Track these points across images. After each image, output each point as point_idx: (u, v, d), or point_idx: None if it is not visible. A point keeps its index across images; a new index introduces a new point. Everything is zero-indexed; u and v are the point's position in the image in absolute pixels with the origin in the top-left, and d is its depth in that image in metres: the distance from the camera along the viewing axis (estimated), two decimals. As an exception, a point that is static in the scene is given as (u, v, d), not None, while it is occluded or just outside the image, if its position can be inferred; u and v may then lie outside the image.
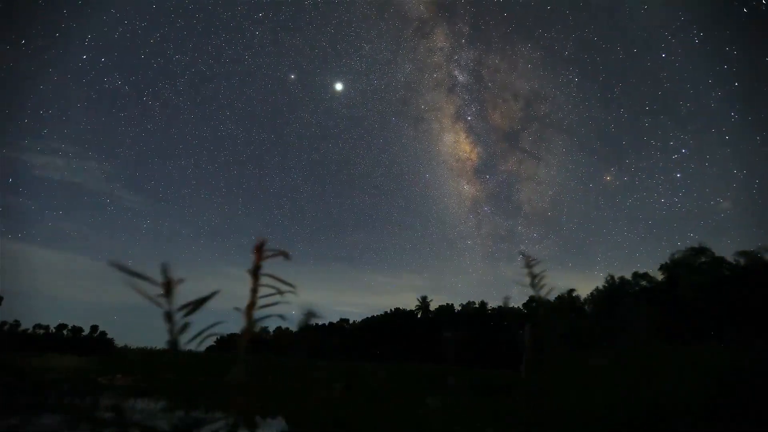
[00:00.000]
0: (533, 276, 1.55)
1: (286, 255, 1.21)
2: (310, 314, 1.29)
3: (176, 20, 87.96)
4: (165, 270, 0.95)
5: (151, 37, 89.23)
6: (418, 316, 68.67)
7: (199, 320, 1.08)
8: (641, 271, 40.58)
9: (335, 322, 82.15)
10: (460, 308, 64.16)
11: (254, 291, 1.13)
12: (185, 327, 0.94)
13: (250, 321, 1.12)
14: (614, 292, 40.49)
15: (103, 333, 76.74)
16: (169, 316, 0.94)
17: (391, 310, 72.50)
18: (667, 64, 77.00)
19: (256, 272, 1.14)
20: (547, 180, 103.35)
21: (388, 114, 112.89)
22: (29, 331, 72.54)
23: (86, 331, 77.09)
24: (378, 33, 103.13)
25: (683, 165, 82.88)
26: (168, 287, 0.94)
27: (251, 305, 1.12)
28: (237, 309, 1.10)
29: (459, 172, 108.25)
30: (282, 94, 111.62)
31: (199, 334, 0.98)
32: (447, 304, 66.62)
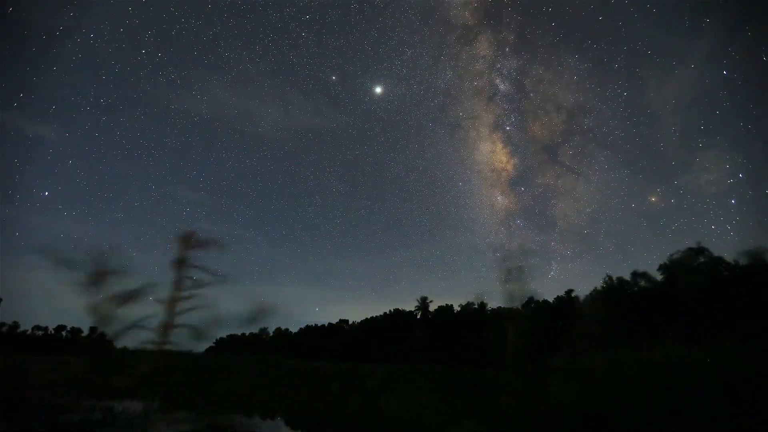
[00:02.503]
0: (508, 271, 1.56)
1: (218, 245, 1.21)
2: (262, 310, 1.28)
3: (228, 20, 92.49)
4: (98, 259, 0.96)
5: (205, 35, 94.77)
6: (418, 316, 68.64)
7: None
8: (641, 270, 40.62)
9: (335, 322, 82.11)
10: (459, 309, 64.16)
11: (178, 283, 1.14)
12: (108, 319, 0.95)
13: (172, 313, 1.13)
14: (613, 292, 40.47)
15: (102, 335, 76.70)
16: (95, 308, 0.96)
17: (390, 310, 72.50)
18: (729, 82, 69.78)
19: (180, 264, 1.14)
20: (585, 196, 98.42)
21: (425, 119, 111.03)
22: (28, 333, 72.38)
23: (85, 332, 77.03)
24: (421, 38, 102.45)
25: (739, 191, 72.57)
26: (98, 277, 0.95)
27: (174, 298, 1.13)
28: (158, 301, 1.12)
29: (493, 183, 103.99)
30: (322, 95, 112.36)
31: (129, 327, 1.00)
32: (446, 304, 66.61)
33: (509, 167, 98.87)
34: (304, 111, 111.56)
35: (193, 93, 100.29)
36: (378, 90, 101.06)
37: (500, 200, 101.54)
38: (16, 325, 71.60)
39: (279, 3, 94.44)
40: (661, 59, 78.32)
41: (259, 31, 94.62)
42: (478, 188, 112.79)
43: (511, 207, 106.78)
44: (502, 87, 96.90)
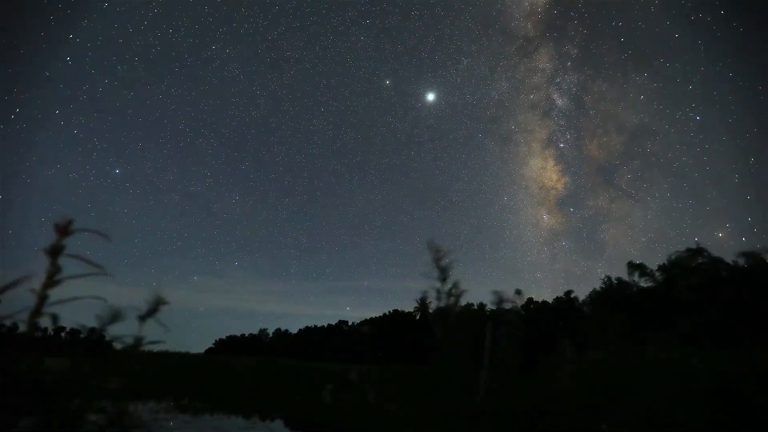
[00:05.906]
0: (441, 269, 1.56)
1: (102, 235, 1.19)
2: (159, 301, 1.28)
3: (293, 21, 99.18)
4: None
5: (270, 35, 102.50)
6: (417, 317, 68.60)
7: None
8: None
9: (334, 323, 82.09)
10: (458, 310, 63.94)
11: (52, 272, 1.13)
12: None
13: (40, 302, 1.12)
14: (612, 293, 40.44)
15: (102, 336, 76.46)
16: None
17: (389, 311, 72.48)
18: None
19: (55, 252, 1.13)
20: (641, 224, 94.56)
21: (476, 130, 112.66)
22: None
23: (84, 333, 76.87)
24: (479, 48, 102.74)
25: (825, 235, 64.24)
26: None
27: (46, 286, 1.12)
28: (32, 291, 1.12)
29: (540, 200, 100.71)
30: (375, 98, 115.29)
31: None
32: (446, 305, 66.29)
33: (559, 186, 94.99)
34: (355, 113, 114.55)
35: (253, 88, 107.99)
36: (430, 97, 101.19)
37: (546, 219, 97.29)
38: (15, 326, 71.62)
39: (342, 6, 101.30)
40: (744, 83, 69.05)
41: (321, 33, 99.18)
42: (523, 205, 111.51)
43: (558, 227, 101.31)
44: (559, 102, 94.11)
